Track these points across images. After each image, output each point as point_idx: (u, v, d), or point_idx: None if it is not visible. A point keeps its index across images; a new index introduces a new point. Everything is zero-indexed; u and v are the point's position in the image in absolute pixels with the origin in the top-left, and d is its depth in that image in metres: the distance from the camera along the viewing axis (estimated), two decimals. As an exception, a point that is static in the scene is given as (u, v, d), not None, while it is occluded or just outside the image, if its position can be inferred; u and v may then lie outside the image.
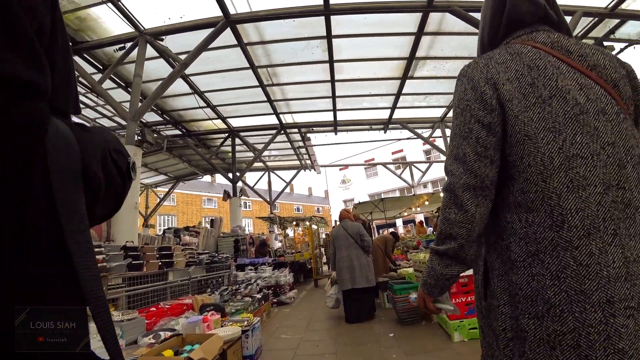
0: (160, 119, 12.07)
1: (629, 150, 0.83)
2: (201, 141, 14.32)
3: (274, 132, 12.74)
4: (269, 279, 6.55)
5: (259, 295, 5.09)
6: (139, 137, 7.90)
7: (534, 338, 0.81)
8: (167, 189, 19.87)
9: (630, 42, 9.23)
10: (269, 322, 5.11)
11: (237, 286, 5.51)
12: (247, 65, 9.01)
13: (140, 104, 7.78)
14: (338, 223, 5.93)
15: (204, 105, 11.07)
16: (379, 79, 9.99)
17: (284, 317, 5.45)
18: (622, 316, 0.73)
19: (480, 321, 1.05)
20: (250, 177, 18.31)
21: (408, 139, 13.75)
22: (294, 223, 14.09)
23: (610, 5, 7.94)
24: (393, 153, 32.99)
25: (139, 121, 9.14)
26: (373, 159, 30.06)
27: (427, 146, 26.89)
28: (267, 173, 17.08)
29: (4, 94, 0.36)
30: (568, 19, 7.96)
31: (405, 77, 9.82)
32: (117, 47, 8.32)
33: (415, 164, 18.39)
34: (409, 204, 12.44)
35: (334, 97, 10.71)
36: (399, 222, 26.52)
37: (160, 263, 4.51)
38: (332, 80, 9.86)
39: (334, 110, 11.58)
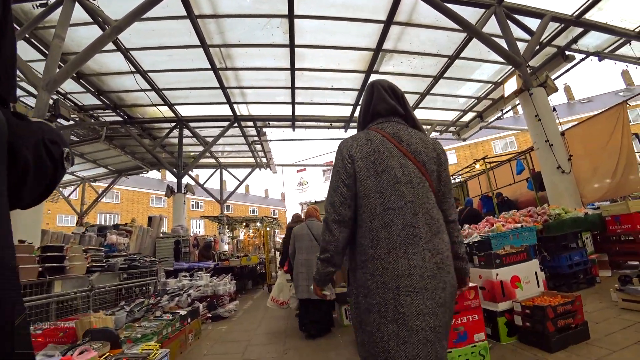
0: (98, 101, 10.36)
1: (422, 205, 1.38)
2: (146, 130, 12.62)
3: (226, 123, 11.44)
4: (205, 288, 5.32)
5: (183, 312, 3.87)
6: (52, 112, 6.33)
7: (363, 308, 1.38)
8: (107, 184, 17.57)
9: (588, 54, 9.13)
10: (195, 347, 3.91)
11: (159, 299, 4.26)
12: (198, 43, 7.74)
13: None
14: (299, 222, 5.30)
15: (148, 88, 9.57)
16: (342, 70, 9.11)
17: (217, 338, 4.26)
18: (404, 295, 1.29)
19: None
20: (202, 175, 16.73)
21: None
22: (244, 224, 12.73)
23: (576, 13, 7.69)
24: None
25: (54, 92, 7.54)
26: (332, 163, 28.98)
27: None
28: (219, 170, 15.60)
29: None
30: (537, 22, 7.71)
31: (370, 70, 9.03)
32: (38, 2, 6.77)
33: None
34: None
35: (293, 88, 9.68)
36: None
37: (40, 269, 3.18)
38: (292, 69, 8.83)
39: (293, 103, 10.54)
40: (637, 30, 8.31)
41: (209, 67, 8.61)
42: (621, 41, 8.68)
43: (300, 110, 11.19)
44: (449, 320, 1.38)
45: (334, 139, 12.74)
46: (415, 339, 1.26)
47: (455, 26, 7.22)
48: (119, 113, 11.11)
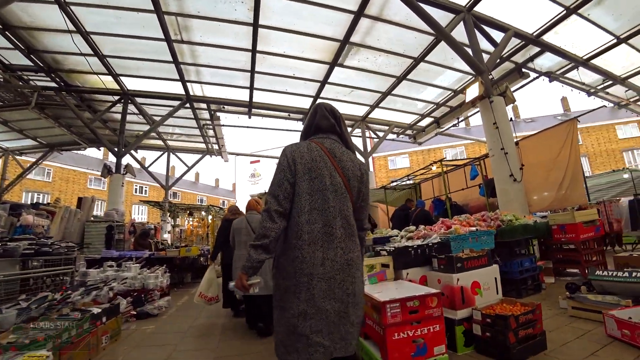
0: (29, 62, 8.96)
1: (341, 211, 1.66)
2: (85, 102, 11.23)
3: (177, 103, 10.48)
4: (132, 280, 4.58)
5: (97, 309, 3.18)
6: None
7: (282, 288, 1.62)
8: (35, 159, 15.51)
9: (540, 74, 9.53)
10: (109, 353, 3.24)
11: (69, 292, 3.53)
12: (152, 8, 6.86)
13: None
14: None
15: (90, 52, 8.42)
16: (306, 59, 8.66)
17: (138, 341, 3.60)
18: (316, 280, 1.55)
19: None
20: (149, 157, 15.40)
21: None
22: (188, 212, 11.77)
23: (536, 33, 7.93)
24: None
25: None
26: None
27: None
28: (166, 154, 14.42)
29: None
30: (501, 35, 7.81)
31: (334, 62, 8.68)
32: None
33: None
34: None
35: (252, 71, 9.05)
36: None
37: None
38: (254, 51, 8.21)
39: (251, 88, 9.89)
40: (584, 57, 8.80)
41: (163, 37, 7.73)
42: (570, 65, 9.15)
43: (259, 97, 10.56)
44: (358, 311, 1.65)
45: (291, 130, 12.25)
46: (320, 318, 1.53)
47: (424, 27, 7.08)
48: (53, 78, 9.75)
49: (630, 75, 9.66)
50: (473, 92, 6.57)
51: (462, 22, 7.06)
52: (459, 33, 7.17)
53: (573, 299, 3.40)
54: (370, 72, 9.28)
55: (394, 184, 11.04)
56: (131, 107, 10.97)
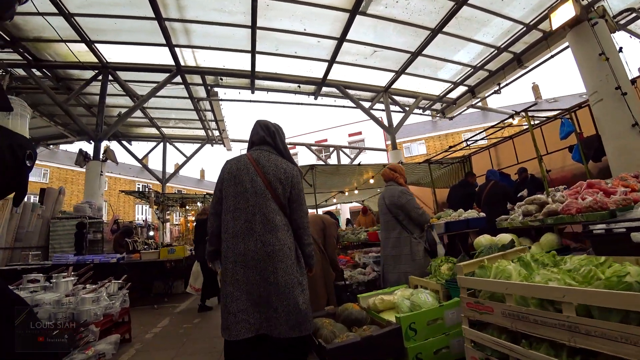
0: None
1: (260, 209, 1.91)
2: (62, 82, 9.33)
3: (166, 75, 8.54)
4: (56, 308, 2.61)
5: None
6: None
7: (223, 278, 1.91)
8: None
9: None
10: None
11: None
12: None
13: None
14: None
15: (53, 11, 6.53)
16: (320, 5, 6.63)
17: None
18: (239, 267, 1.84)
19: None
20: (141, 148, 13.51)
21: (343, 107, 10.56)
22: (179, 204, 9.72)
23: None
24: (350, 135, 25.48)
25: None
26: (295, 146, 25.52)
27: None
28: (162, 143, 12.48)
29: None
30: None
31: (355, 10, 6.65)
32: None
33: (343, 149, 15.44)
34: (349, 178, 8.91)
35: (254, 27, 7.05)
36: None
37: None
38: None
39: (253, 52, 7.89)
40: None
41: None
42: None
43: (262, 65, 8.57)
44: (284, 301, 1.82)
45: (301, 104, 10.20)
46: (244, 299, 1.82)
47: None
48: (22, 53, 7.88)
49: None
50: (563, 15, 4.54)
51: None
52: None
53: None
54: (399, 23, 7.25)
55: (440, 156, 8.53)
56: (116, 87, 9.08)
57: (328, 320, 2.25)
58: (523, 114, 4.27)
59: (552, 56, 7.85)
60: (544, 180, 3.97)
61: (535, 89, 23.81)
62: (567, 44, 5.84)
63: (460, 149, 7.36)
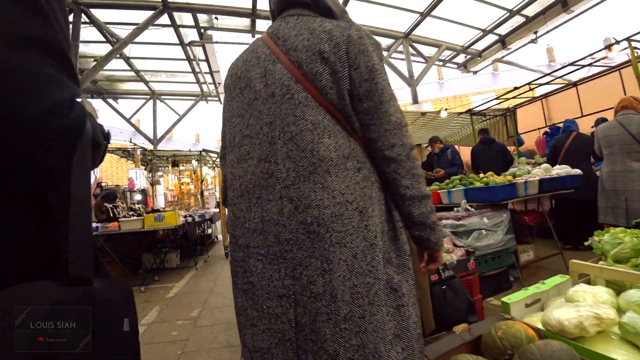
0: None
1: (284, 128, 0.84)
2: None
3: (150, 13, 7.08)
4: None
5: None
6: None
7: (233, 279, 0.96)
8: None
9: None
10: None
11: None
12: None
13: None
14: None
15: None
16: None
17: None
18: (254, 259, 0.86)
19: None
20: (128, 106, 12.06)
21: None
22: (172, 163, 8.52)
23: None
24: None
25: None
26: None
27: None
28: (152, 100, 11.08)
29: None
30: None
31: None
32: None
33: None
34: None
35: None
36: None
37: None
38: None
39: (255, -19, 6.45)
40: None
41: None
42: None
43: (265, 1, 7.11)
44: (343, 330, 0.76)
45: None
46: (265, 326, 0.83)
47: None
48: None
49: None
50: None
51: None
52: None
53: None
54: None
55: (481, 106, 7.04)
56: (94, 31, 7.63)
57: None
58: (625, 42, 3.12)
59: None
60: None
61: (550, 51, 22.17)
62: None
63: (505, 100, 6.20)
